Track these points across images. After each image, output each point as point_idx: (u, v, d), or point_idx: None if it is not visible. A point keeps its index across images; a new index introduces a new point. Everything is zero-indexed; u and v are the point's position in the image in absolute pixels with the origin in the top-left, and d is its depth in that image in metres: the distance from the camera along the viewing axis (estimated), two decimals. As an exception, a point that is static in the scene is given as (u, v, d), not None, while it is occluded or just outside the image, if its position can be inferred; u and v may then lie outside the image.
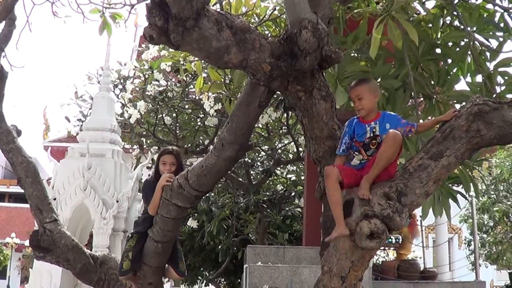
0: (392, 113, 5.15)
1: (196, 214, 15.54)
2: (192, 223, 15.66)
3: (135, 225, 7.47)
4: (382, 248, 14.63)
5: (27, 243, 8.54)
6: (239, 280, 18.36)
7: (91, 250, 8.50)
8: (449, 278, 15.11)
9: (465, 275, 16.11)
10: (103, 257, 8.10)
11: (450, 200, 7.05)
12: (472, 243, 17.69)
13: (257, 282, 8.43)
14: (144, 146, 15.66)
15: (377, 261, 14.06)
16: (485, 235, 23.29)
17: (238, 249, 16.44)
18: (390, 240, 13.53)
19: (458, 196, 7.10)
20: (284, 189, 16.44)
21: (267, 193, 15.69)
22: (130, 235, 7.34)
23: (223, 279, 22.14)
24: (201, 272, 21.21)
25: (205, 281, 22.46)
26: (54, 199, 10.53)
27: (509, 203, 22.74)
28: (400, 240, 12.52)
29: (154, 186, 6.71)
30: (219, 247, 16.50)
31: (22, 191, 7.70)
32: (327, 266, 4.91)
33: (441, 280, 12.59)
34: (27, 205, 7.91)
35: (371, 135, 4.89)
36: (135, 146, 16.16)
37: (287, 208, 15.46)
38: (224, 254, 16.75)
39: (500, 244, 22.60)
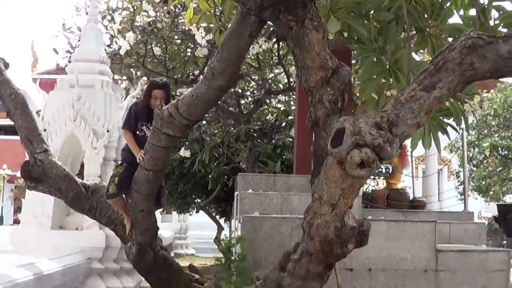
0: None
1: (187, 143, 15.59)
2: (184, 153, 15.73)
3: (123, 152, 7.53)
4: (372, 177, 14.75)
5: (19, 174, 8.56)
6: (230, 208, 18.55)
7: (82, 180, 8.56)
8: (438, 208, 15.27)
9: (453, 205, 16.29)
10: (95, 185, 8.16)
11: (440, 133, 7.09)
12: (461, 174, 17.84)
13: (248, 209, 8.53)
14: (134, 77, 15.61)
15: (367, 190, 14.18)
16: (474, 168, 23.49)
17: (229, 177, 16.58)
18: (380, 169, 13.63)
19: (449, 128, 7.13)
20: (275, 119, 16.48)
21: (258, 123, 15.75)
22: (119, 162, 7.44)
23: (214, 206, 22.35)
24: (192, 200, 21.40)
25: (196, 208, 22.67)
26: (45, 130, 10.52)
27: (499, 137, 22.87)
28: (390, 170, 12.63)
29: (140, 113, 6.96)
30: (210, 175, 16.60)
31: (12, 123, 7.71)
32: (318, 193, 4.97)
33: (430, 209, 12.74)
34: (18, 137, 7.91)
35: None
36: (124, 77, 16.12)
37: (278, 138, 15.52)
38: (215, 182, 16.89)
39: (489, 177, 22.81)
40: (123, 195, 7.04)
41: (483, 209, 29.89)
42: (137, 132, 7.01)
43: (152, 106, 6.80)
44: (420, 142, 7.08)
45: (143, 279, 9.08)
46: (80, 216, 10.01)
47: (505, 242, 19.00)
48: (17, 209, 47.44)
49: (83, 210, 8.16)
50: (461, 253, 7.58)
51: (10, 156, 52.66)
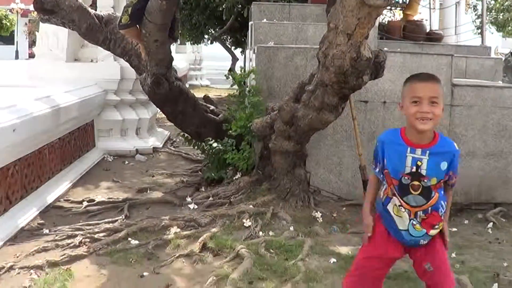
0: (454, 145, 3.55)
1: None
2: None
3: None
4: (389, 8, 14.51)
5: (32, 7, 8.48)
6: (244, 38, 18.44)
7: (95, 11, 8.46)
8: (455, 41, 15.04)
9: (470, 39, 16.04)
10: (108, 16, 8.09)
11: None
12: (479, 7, 17.48)
13: (263, 39, 8.45)
14: None
15: (383, 21, 13.96)
16: (492, 1, 23.00)
17: (243, 6, 16.32)
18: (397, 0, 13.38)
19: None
20: None
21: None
22: None
23: (228, 37, 22.23)
24: (207, 30, 21.25)
25: (210, 39, 22.57)
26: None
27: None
28: (407, 0, 12.37)
29: None
30: (224, 5, 16.38)
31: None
32: (333, 23, 4.90)
33: (446, 42, 12.55)
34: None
35: (413, 169, 3.45)
36: None
37: (294, -35, 15.17)
38: (229, 12, 16.68)
39: (508, 11, 22.37)
40: (137, 26, 6.97)
41: (500, 45, 29.54)
42: None
43: None
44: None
45: (159, 110, 9.18)
46: (95, 48, 9.98)
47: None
48: (32, 43, 47.48)
49: (97, 41, 8.13)
50: (477, 88, 7.50)
51: (23, -11, 52.13)
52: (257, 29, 8.62)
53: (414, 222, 3.47)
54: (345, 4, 4.63)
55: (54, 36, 10.48)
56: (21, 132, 5.97)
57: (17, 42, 52.23)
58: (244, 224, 5.99)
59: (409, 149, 3.43)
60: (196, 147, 8.16)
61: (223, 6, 16.51)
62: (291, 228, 6.04)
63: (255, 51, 7.57)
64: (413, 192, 3.43)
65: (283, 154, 6.62)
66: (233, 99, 7.95)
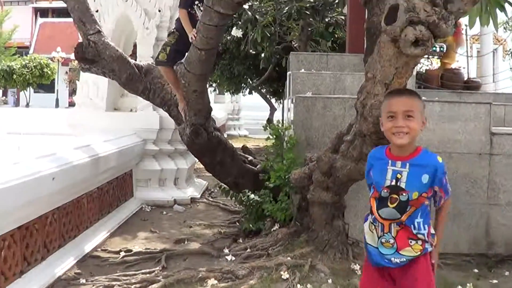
0: (437, 158, 3.54)
1: (240, 23, 15.43)
2: (236, 32, 15.56)
3: (176, 22, 7.57)
4: (426, 56, 14.46)
5: (73, 56, 8.64)
6: (282, 88, 18.51)
7: (135, 61, 8.57)
8: (493, 89, 14.92)
9: (508, 86, 15.92)
10: (148, 66, 8.18)
11: (497, 10, 6.83)
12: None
13: (301, 89, 8.46)
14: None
15: (421, 70, 13.92)
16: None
17: (281, 56, 16.43)
18: (434, 48, 13.31)
19: (506, 5, 6.86)
20: (328, -4, 16.12)
21: (310, 0, 15.41)
22: (171, 30, 7.47)
23: (266, 87, 22.33)
24: (245, 80, 21.37)
25: (248, 89, 22.70)
26: (97, 11, 10.48)
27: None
28: (445, 48, 12.33)
29: None
30: (262, 54, 16.49)
31: (65, 5, 7.68)
32: (371, 72, 4.88)
33: (485, 90, 12.45)
34: (71, 19, 7.91)
35: (393, 182, 3.43)
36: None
37: (330, 15, 15.25)
38: (267, 62, 16.79)
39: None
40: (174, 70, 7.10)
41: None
42: (189, 10, 7.08)
43: None
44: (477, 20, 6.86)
45: (197, 160, 9.19)
46: (134, 98, 10.09)
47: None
48: (72, 92, 48.22)
49: (137, 91, 8.22)
50: (516, 136, 7.42)
51: (63, 39, 53.18)
52: (295, 79, 8.64)
53: (383, 240, 3.43)
54: (382, 54, 4.61)
55: (94, 85, 10.61)
56: (60, 180, 6.01)
57: (57, 90, 53.12)
58: (282, 277, 5.91)
59: (390, 162, 3.46)
60: (233, 198, 8.14)
61: (262, 56, 16.61)
62: (330, 281, 5.95)
63: (293, 101, 7.57)
64: (389, 205, 3.41)
65: (322, 205, 6.56)
66: (271, 149, 7.94)
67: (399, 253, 3.41)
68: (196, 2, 7.08)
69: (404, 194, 3.36)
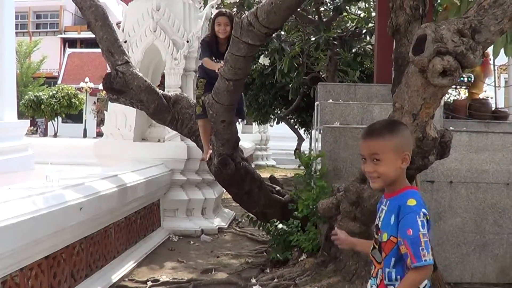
0: (409, 196, 3.09)
1: (267, 52, 15.51)
2: (264, 60, 15.64)
3: (199, 68, 7.76)
4: (454, 86, 14.40)
5: (101, 86, 8.74)
6: (310, 118, 18.52)
7: (163, 91, 8.63)
8: (521, 120, 14.81)
9: (536, 117, 15.76)
10: (176, 97, 8.23)
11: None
12: (545, 84, 17.20)
13: (328, 119, 8.46)
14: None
15: (449, 100, 13.86)
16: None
17: (309, 87, 16.46)
18: (462, 78, 13.24)
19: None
20: (355, 26, 16.16)
21: (338, 31, 15.47)
22: (197, 82, 7.62)
23: (294, 117, 22.34)
24: (272, 110, 21.42)
25: (276, 119, 22.71)
26: (125, 42, 10.61)
27: None
28: (472, 79, 12.26)
29: (210, 44, 7.36)
30: (290, 85, 16.54)
31: (93, 36, 7.77)
32: (399, 103, 4.87)
33: (512, 121, 12.37)
34: (99, 50, 8.00)
35: (377, 221, 3.26)
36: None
37: (358, 46, 15.27)
38: (295, 92, 16.83)
39: None
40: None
41: None
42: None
43: (216, 32, 7.25)
44: (502, 50, 6.82)
45: (224, 190, 9.20)
46: (162, 128, 10.15)
47: None
48: (100, 122, 48.60)
49: (165, 121, 8.26)
50: (545, 166, 7.38)
51: (91, 69, 53.80)
52: (323, 109, 8.64)
53: (371, 283, 3.23)
54: (410, 84, 4.61)
55: (122, 115, 10.69)
56: (88, 210, 6.03)
57: (85, 120, 53.60)
58: (309, 306, 5.89)
59: (383, 199, 3.24)
60: (261, 228, 8.13)
61: (289, 86, 16.65)
62: (357, 311, 5.91)
63: (321, 132, 7.58)
64: (375, 245, 3.20)
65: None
66: (299, 179, 7.93)
67: None
68: (214, 59, 7.27)
69: (379, 233, 3.15)
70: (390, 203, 3.14)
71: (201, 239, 9.82)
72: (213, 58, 7.29)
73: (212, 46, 7.34)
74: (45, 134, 52.75)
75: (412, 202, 3.02)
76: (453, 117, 10.75)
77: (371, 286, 3.22)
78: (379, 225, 3.16)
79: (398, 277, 3.04)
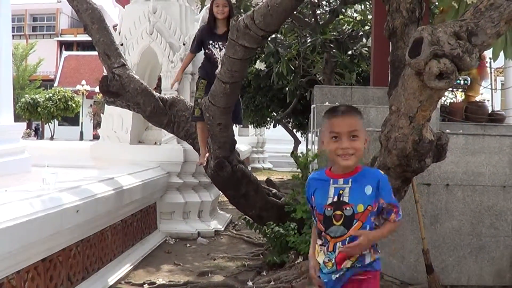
0: (379, 171, 3.58)
1: (263, 56, 15.51)
2: (260, 65, 15.65)
3: (199, 69, 7.81)
4: (450, 89, 14.43)
5: (97, 89, 8.75)
6: (306, 120, 18.53)
7: (160, 94, 8.62)
8: (517, 122, 14.84)
9: (533, 119, 15.80)
10: (172, 99, 8.23)
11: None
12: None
13: (325, 122, 8.45)
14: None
15: (445, 102, 13.88)
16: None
17: (306, 89, 16.47)
18: (458, 81, 13.27)
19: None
20: (351, 29, 16.18)
21: (334, 33, 15.48)
22: (196, 84, 7.64)
23: (290, 119, 22.36)
24: (269, 113, 21.43)
25: (273, 122, 22.75)
26: (121, 44, 10.60)
27: None
28: (469, 81, 12.29)
29: (205, 32, 7.51)
30: (287, 87, 16.55)
31: (90, 39, 7.76)
32: (395, 105, 4.88)
33: (509, 123, 12.38)
34: (96, 53, 7.99)
35: (335, 199, 3.37)
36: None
37: (355, 48, 15.28)
38: (292, 95, 16.86)
39: None
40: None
41: None
42: (206, 51, 7.48)
43: (215, 13, 7.33)
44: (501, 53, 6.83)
45: (221, 193, 9.20)
46: (159, 131, 10.15)
47: None
48: (96, 125, 48.57)
49: (161, 124, 8.26)
50: (542, 169, 7.40)
51: (88, 72, 53.82)
52: (320, 112, 8.64)
53: (326, 260, 3.34)
54: (406, 87, 4.61)
55: (119, 118, 10.68)
56: (84, 213, 6.03)
57: (82, 123, 53.53)
58: (306, 309, 5.89)
59: (331, 180, 3.37)
60: (257, 231, 8.13)
61: (286, 89, 16.66)
62: (354, 313, 5.90)
63: (318, 134, 7.58)
64: (335, 222, 3.31)
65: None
66: (298, 180, 7.92)
67: (339, 270, 3.35)
68: (211, 42, 7.27)
69: (348, 208, 3.29)
70: (355, 179, 3.34)
71: (197, 242, 9.81)
72: (211, 41, 7.34)
73: (207, 34, 7.45)
74: (41, 137, 52.71)
75: (382, 172, 3.51)
76: (450, 119, 10.77)
77: (329, 260, 3.35)
78: (346, 200, 3.30)
79: None
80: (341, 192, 3.31)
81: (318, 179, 3.49)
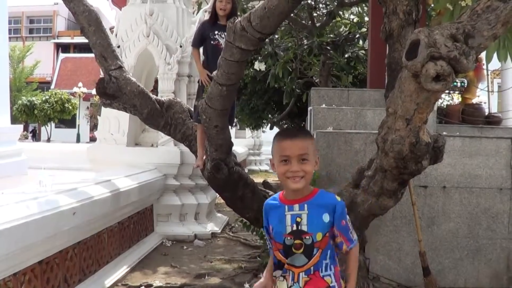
0: (335, 196, 3.46)
1: (260, 58, 15.49)
2: (259, 65, 15.61)
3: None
4: (447, 91, 14.45)
5: (94, 91, 8.75)
6: (303, 123, 18.51)
7: (156, 96, 8.62)
8: (514, 124, 14.87)
9: (530, 121, 15.84)
10: (169, 101, 8.21)
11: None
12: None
13: (322, 124, 8.46)
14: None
15: (442, 105, 13.89)
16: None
17: (302, 91, 16.44)
18: (455, 83, 13.31)
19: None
20: (348, 31, 16.16)
21: (331, 35, 15.46)
22: (198, 84, 7.60)
23: (287, 122, 22.32)
24: (265, 115, 21.37)
25: (269, 124, 22.70)
26: (118, 46, 10.61)
27: None
28: (466, 84, 12.31)
29: (207, 25, 7.31)
30: (283, 89, 16.53)
31: (87, 41, 7.76)
32: (392, 108, 4.88)
33: (506, 125, 12.41)
34: (92, 55, 7.99)
35: (294, 227, 3.31)
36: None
37: (351, 50, 15.27)
38: (288, 97, 16.80)
39: None
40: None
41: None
42: (211, 42, 7.26)
43: (217, 9, 7.16)
44: (494, 55, 6.83)
45: (218, 195, 9.20)
46: (155, 133, 10.15)
47: None
48: (93, 127, 48.60)
49: (158, 126, 8.24)
50: (539, 171, 7.40)
51: (85, 74, 53.80)
52: (316, 114, 8.64)
53: None
54: (403, 89, 4.61)
55: (116, 120, 10.68)
56: (81, 215, 6.03)
57: (78, 125, 53.57)
58: (303, 312, 5.88)
59: (286, 207, 3.33)
60: (254, 233, 8.13)
61: (283, 91, 16.64)
62: (350, 316, 5.90)
63: (314, 136, 7.58)
64: (295, 251, 3.27)
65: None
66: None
67: None
68: (216, 32, 7.23)
69: (307, 237, 3.24)
70: (311, 205, 3.31)
71: (194, 244, 9.81)
72: (216, 31, 7.28)
73: (211, 26, 7.34)
74: (38, 139, 52.66)
75: (338, 197, 3.40)
76: (447, 122, 10.79)
77: None
78: (305, 229, 3.25)
79: (332, 266, 3.32)
80: (298, 220, 3.28)
81: (272, 207, 3.46)
